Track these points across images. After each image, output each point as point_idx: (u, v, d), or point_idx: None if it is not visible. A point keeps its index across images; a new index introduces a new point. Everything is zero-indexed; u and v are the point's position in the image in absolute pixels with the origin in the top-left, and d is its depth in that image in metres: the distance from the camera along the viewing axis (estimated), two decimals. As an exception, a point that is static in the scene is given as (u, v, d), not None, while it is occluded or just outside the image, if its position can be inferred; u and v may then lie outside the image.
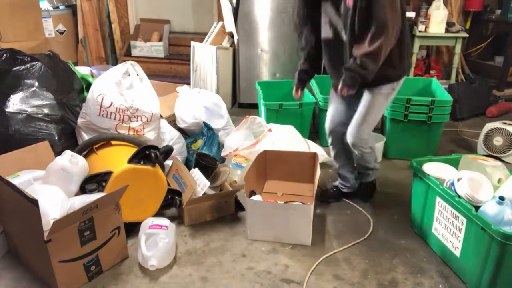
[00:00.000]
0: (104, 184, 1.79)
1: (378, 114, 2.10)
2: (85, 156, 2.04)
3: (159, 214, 2.01)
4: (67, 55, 4.18)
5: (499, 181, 1.84)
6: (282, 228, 1.92)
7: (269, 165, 2.40)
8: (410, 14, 3.55)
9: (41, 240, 1.46)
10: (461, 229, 1.76)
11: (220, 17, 4.21)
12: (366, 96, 2.03)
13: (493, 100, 3.83)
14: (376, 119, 2.09)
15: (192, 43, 3.73)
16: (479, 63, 4.42)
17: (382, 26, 1.74)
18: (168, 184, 2.04)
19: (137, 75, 2.30)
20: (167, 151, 2.13)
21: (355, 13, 1.79)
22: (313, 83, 3.15)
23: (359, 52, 1.79)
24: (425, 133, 2.73)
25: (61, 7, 4.39)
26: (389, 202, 2.32)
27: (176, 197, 2.01)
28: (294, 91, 2.20)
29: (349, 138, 2.08)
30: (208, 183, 2.05)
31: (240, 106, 3.82)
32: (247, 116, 2.78)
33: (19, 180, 1.73)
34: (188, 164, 2.54)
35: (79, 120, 2.25)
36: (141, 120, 2.24)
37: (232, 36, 3.67)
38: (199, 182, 2.07)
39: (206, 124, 2.64)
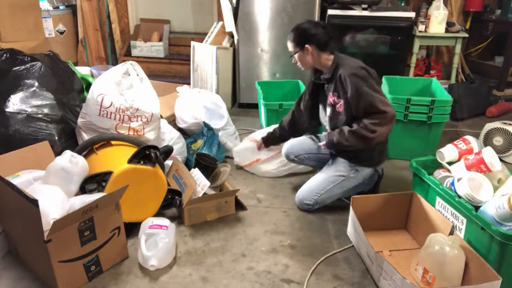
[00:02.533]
0: (104, 184, 1.79)
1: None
2: (85, 156, 2.04)
3: (159, 214, 2.01)
4: (67, 55, 4.18)
5: (499, 181, 1.85)
6: None
7: (362, 213, 1.96)
8: (410, 14, 3.55)
9: (41, 240, 1.46)
10: (461, 229, 1.76)
11: (220, 17, 4.21)
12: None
13: (493, 100, 3.83)
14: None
15: (192, 43, 3.73)
16: (479, 63, 4.42)
17: (387, 116, 1.95)
18: (168, 184, 2.04)
19: (137, 75, 2.30)
20: (167, 151, 2.13)
21: (345, 116, 2.05)
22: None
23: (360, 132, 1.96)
24: (425, 133, 2.73)
25: (61, 7, 4.39)
26: (389, 202, 2.32)
27: (176, 197, 2.01)
28: (258, 145, 2.53)
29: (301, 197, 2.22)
30: (208, 183, 2.05)
31: (240, 106, 3.82)
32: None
33: (19, 180, 1.73)
34: (188, 164, 2.54)
35: (79, 120, 2.25)
36: (141, 120, 2.24)
37: (232, 36, 3.67)
38: (199, 182, 2.07)
39: (206, 124, 2.64)
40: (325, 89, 2.17)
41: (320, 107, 2.25)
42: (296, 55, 2.13)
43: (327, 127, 2.20)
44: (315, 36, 2.05)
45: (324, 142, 2.13)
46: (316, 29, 2.06)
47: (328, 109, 2.14)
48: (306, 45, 2.06)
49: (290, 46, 2.14)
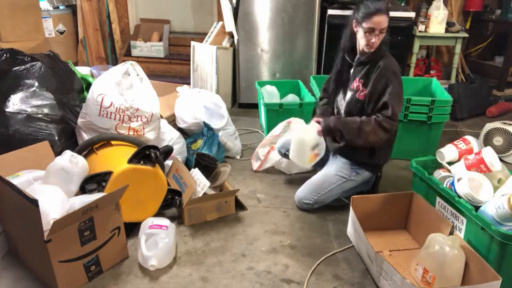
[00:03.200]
0: (104, 184, 1.79)
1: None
2: (85, 156, 2.04)
3: (159, 214, 2.01)
4: (67, 55, 4.18)
5: (499, 181, 1.85)
6: None
7: (362, 213, 1.96)
8: (410, 14, 3.55)
9: (41, 240, 1.46)
10: (461, 229, 1.76)
11: (220, 17, 4.21)
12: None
13: (493, 100, 3.83)
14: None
15: (192, 43, 3.73)
16: (479, 63, 4.42)
17: (391, 127, 1.96)
18: (168, 184, 2.04)
19: (137, 75, 2.30)
20: (167, 151, 2.13)
21: (362, 106, 2.05)
22: (313, 83, 3.15)
23: (366, 127, 1.97)
24: (425, 133, 2.73)
25: (61, 7, 4.39)
26: (389, 202, 2.32)
27: (176, 197, 2.02)
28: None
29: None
30: (208, 183, 2.05)
31: (240, 106, 3.82)
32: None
33: (19, 180, 1.73)
34: (188, 164, 2.54)
35: (79, 120, 2.25)
36: (141, 120, 2.24)
37: (232, 36, 3.67)
38: (199, 182, 2.07)
39: (206, 124, 2.64)
40: (350, 73, 2.15)
41: (342, 90, 2.21)
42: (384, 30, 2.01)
43: (342, 112, 2.17)
44: None
45: (320, 128, 2.13)
46: None
47: (349, 94, 2.12)
48: None
49: (385, 20, 1.97)
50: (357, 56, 2.11)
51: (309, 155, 2.18)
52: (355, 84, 2.09)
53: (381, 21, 1.96)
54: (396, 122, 1.97)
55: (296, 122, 2.55)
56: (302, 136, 2.17)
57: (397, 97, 1.96)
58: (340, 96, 2.21)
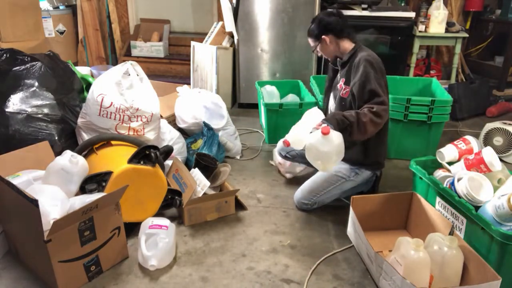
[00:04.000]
0: (104, 184, 1.79)
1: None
2: (85, 156, 2.04)
3: (159, 214, 2.01)
4: (67, 55, 4.18)
5: (499, 181, 1.85)
6: None
7: (362, 213, 1.96)
8: (410, 14, 3.55)
9: (41, 240, 1.46)
10: (461, 229, 1.76)
11: (220, 17, 4.21)
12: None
13: (493, 100, 3.83)
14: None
15: (192, 43, 3.73)
16: (479, 63, 4.42)
17: (385, 113, 1.89)
18: (168, 184, 2.04)
19: (137, 75, 2.30)
20: (167, 151, 2.13)
21: (348, 104, 2.03)
22: (313, 83, 3.15)
23: (363, 118, 1.87)
24: (425, 133, 2.74)
25: (61, 7, 4.39)
26: (389, 202, 2.32)
27: (176, 197, 2.02)
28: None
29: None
30: (208, 183, 2.05)
31: (240, 106, 3.82)
32: None
33: (19, 180, 1.73)
34: (188, 164, 2.54)
35: (79, 120, 2.25)
36: (141, 120, 2.24)
37: (232, 36, 3.67)
38: (199, 182, 2.07)
39: (206, 124, 2.64)
40: (338, 76, 2.19)
41: (331, 94, 2.26)
42: (318, 48, 2.16)
43: None
44: (329, 25, 2.09)
45: (324, 119, 1.88)
46: (329, 18, 2.10)
47: (336, 94, 2.16)
48: (323, 36, 2.10)
49: (310, 41, 2.18)
50: (338, 60, 2.18)
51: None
52: (340, 84, 2.13)
53: (308, 41, 2.20)
54: (388, 106, 1.93)
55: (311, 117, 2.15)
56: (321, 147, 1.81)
57: (380, 81, 1.94)
58: (331, 100, 2.25)
